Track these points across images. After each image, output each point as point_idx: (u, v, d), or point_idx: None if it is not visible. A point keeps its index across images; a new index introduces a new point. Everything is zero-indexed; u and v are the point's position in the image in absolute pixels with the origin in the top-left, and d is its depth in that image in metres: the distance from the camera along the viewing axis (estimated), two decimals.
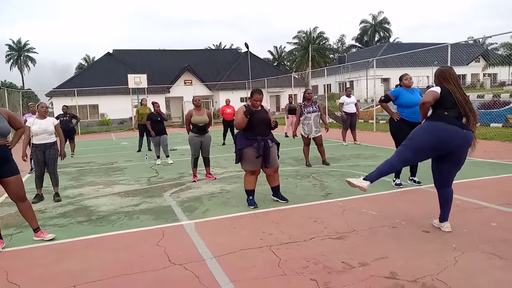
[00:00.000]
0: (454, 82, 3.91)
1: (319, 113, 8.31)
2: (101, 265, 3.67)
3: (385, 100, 6.26)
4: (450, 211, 4.14)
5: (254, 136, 5.17)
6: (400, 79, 6.12)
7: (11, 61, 63.02)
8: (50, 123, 6.25)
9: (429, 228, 4.16)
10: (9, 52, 62.93)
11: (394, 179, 6.11)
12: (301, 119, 8.32)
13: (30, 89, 50.68)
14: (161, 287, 3.17)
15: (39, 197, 6.32)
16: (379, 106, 9.57)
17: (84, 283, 3.29)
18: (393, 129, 6.11)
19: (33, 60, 64.92)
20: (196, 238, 4.25)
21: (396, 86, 6.33)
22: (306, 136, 8.33)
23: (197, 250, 3.88)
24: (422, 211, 4.76)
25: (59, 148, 6.38)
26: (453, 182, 4.09)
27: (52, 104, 33.50)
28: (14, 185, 4.23)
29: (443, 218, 4.10)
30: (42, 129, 6.08)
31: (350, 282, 3.05)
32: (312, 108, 8.26)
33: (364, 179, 4.05)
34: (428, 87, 6.52)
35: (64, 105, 12.92)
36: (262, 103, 5.40)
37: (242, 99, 31.95)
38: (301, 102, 8.57)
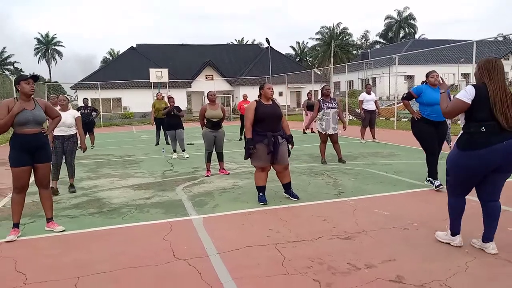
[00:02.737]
0: (500, 78, 3.22)
1: (338, 110, 8.16)
2: (107, 257, 3.69)
3: (407, 97, 6.08)
4: (466, 213, 3.96)
5: (264, 131, 5.11)
6: (427, 76, 5.89)
7: (39, 54, 64.65)
8: (70, 116, 6.35)
9: (442, 230, 3.99)
10: (38, 46, 64.53)
11: (432, 180, 5.78)
12: (319, 114, 8.17)
13: (56, 82, 51.94)
14: (163, 282, 3.16)
15: (53, 191, 6.40)
16: (401, 103, 9.32)
17: (89, 274, 3.32)
18: (415, 128, 5.90)
19: (60, 54, 66.42)
20: (202, 233, 4.23)
21: (422, 83, 6.11)
22: (323, 133, 8.18)
23: (202, 246, 3.86)
24: (436, 213, 4.60)
25: (79, 141, 6.49)
26: None
27: (77, 97, 34.26)
28: (44, 171, 4.44)
29: (488, 237, 3.44)
30: (61, 121, 6.14)
31: (354, 284, 2.96)
32: (332, 104, 8.12)
33: (451, 233, 3.60)
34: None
35: (85, 98, 13.16)
36: (274, 98, 5.35)
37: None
38: (320, 98, 8.43)
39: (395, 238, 3.90)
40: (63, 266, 3.53)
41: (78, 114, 6.52)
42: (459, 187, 3.47)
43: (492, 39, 25.35)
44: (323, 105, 8.08)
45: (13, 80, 4.38)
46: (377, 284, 2.95)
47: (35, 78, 4.34)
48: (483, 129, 3.18)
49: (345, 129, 8.41)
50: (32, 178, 4.45)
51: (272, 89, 5.31)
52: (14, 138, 4.24)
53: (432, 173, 5.82)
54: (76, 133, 6.47)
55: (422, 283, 2.93)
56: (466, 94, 3.24)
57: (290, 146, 5.40)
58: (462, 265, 3.21)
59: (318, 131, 8.34)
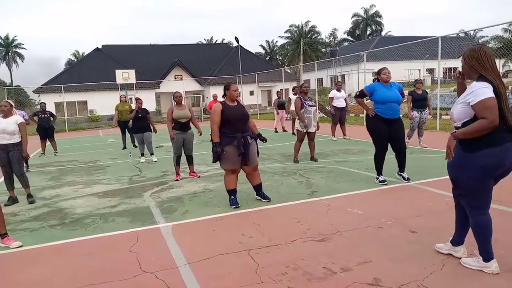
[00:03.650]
0: (493, 67, 2.81)
1: (316, 108, 8.08)
2: (67, 273, 3.43)
3: (360, 95, 6.06)
4: (438, 209, 3.94)
5: (233, 133, 4.94)
6: (378, 73, 5.87)
7: None
8: (12, 122, 5.79)
9: (416, 228, 3.96)
10: None
11: (377, 176, 5.91)
12: (301, 111, 7.94)
13: (19, 86, 49.89)
14: None
15: (12, 200, 6.03)
16: (369, 101, 9.38)
17: None
18: (369, 125, 5.91)
19: (21, 56, 63.89)
20: (171, 243, 4.01)
21: (374, 80, 6.06)
22: (304, 131, 7.99)
23: (171, 256, 3.65)
24: (410, 210, 4.57)
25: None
26: (443, 177, 3.86)
27: (40, 101, 32.91)
28: None
29: (460, 241, 3.24)
30: (1, 128, 5.70)
31: None
32: (312, 102, 8.03)
33: (484, 260, 2.95)
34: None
35: (42, 102, 12.59)
36: (239, 99, 5.20)
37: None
38: (298, 95, 8.24)
39: (369, 238, 3.81)
40: (21, 286, 3.25)
41: (21, 119, 5.93)
42: (486, 196, 2.91)
43: (455, 35, 26.12)
44: (305, 103, 7.92)
45: None
46: None
47: None
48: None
49: (318, 129, 8.31)
50: None
51: (238, 90, 5.15)
52: None
53: (379, 169, 5.89)
54: (20, 141, 5.87)
55: (399, 284, 2.84)
56: (488, 89, 2.70)
57: (264, 141, 5.34)
58: (438, 263, 3.15)
59: (297, 129, 8.16)
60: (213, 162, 5.12)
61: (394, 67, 5.98)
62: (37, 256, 3.92)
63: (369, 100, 6.06)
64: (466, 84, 3.09)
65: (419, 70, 35.25)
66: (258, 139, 5.25)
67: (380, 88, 5.70)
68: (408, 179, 5.84)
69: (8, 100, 6.04)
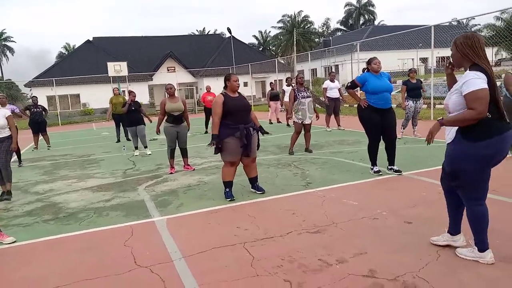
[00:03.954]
0: (485, 55, 2.77)
1: (312, 99, 8.04)
2: (61, 269, 3.40)
3: (351, 86, 6.03)
4: (432, 199, 3.93)
5: (235, 124, 4.90)
6: (369, 62, 5.82)
7: None
8: (1, 116, 5.76)
9: (411, 218, 3.97)
10: None
11: (371, 167, 5.91)
12: (294, 104, 7.95)
13: (10, 80, 49.28)
14: None
15: (6, 194, 5.96)
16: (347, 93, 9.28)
17: None
18: (361, 116, 5.87)
19: (11, 49, 62.90)
20: (166, 236, 3.99)
21: (364, 70, 6.02)
22: (300, 123, 7.97)
23: (166, 250, 3.63)
24: (404, 201, 4.58)
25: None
26: (437, 167, 3.83)
27: (32, 95, 32.56)
28: None
29: (457, 230, 3.23)
30: None
31: (326, 282, 2.84)
32: (306, 93, 7.97)
33: (479, 250, 2.95)
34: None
35: (34, 96, 12.45)
36: (239, 90, 5.16)
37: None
38: (294, 86, 8.25)
39: (365, 229, 3.81)
40: (14, 283, 3.22)
41: (9, 112, 5.93)
42: (484, 186, 2.90)
43: (448, 24, 26.07)
44: (298, 95, 7.89)
45: None
46: (349, 280, 2.83)
47: None
48: (489, 115, 2.70)
49: (318, 118, 8.30)
50: None
51: (238, 80, 5.10)
52: None
53: (374, 159, 5.90)
54: (10, 135, 5.87)
55: (395, 276, 2.84)
56: (481, 80, 2.67)
57: (265, 134, 5.37)
58: (433, 253, 3.16)
59: (294, 121, 8.14)
60: (214, 154, 5.07)
61: (388, 57, 5.95)
62: (31, 251, 3.89)
63: (361, 91, 6.03)
64: (455, 75, 3.08)
65: (412, 59, 35.25)
66: (259, 132, 5.23)
67: (371, 78, 5.67)
68: (399, 171, 5.81)
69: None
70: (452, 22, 31.86)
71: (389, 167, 5.92)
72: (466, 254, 3.02)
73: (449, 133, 2.93)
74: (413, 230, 3.69)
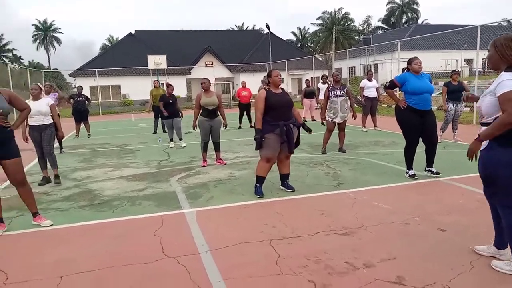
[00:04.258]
0: None
1: (347, 97, 7.91)
2: (93, 254, 3.52)
3: (390, 86, 5.86)
4: (469, 207, 3.77)
5: (275, 120, 4.90)
6: (409, 62, 5.65)
7: (38, 41, 63.99)
8: (44, 104, 6.09)
9: (445, 226, 3.82)
10: (36, 33, 63.84)
11: (407, 170, 5.73)
12: (328, 102, 7.90)
13: (56, 69, 51.53)
14: (148, 282, 2.99)
15: (46, 179, 6.25)
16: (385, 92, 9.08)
17: (72, 273, 3.15)
18: (399, 117, 5.68)
19: (58, 40, 65.74)
20: (195, 228, 4.05)
21: (403, 70, 5.83)
22: (331, 121, 7.93)
23: (193, 242, 3.69)
24: (439, 207, 4.41)
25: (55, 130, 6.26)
26: (476, 174, 3.62)
27: (76, 84, 33.94)
28: (13, 169, 4.12)
29: (503, 243, 3.05)
30: (35, 110, 5.86)
31: (352, 285, 2.79)
32: (340, 91, 7.86)
33: None
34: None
35: (79, 86, 12.95)
36: (282, 86, 5.15)
37: (262, 82, 31.50)
38: (330, 84, 8.18)
39: (395, 233, 3.71)
40: (47, 264, 3.36)
41: (52, 101, 6.27)
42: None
43: (496, 24, 24.86)
44: (331, 93, 7.84)
45: None
46: (376, 286, 2.77)
47: None
48: None
49: (355, 118, 8.18)
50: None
51: (280, 75, 5.09)
52: None
53: (410, 163, 5.72)
54: (52, 122, 6.20)
55: (424, 284, 2.75)
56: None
57: (309, 132, 5.35)
58: (467, 264, 3.03)
59: (326, 119, 8.09)
60: (256, 149, 5.07)
61: (430, 57, 5.75)
62: (66, 235, 4.05)
63: (400, 92, 5.85)
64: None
65: (456, 60, 33.87)
66: (301, 128, 5.21)
67: (411, 78, 5.50)
68: (437, 173, 5.65)
69: (38, 84, 6.27)
70: (502, 23, 30.36)
71: (427, 168, 5.75)
72: (503, 267, 2.88)
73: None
74: (446, 238, 3.55)
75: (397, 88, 6.02)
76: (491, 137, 2.72)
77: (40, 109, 5.98)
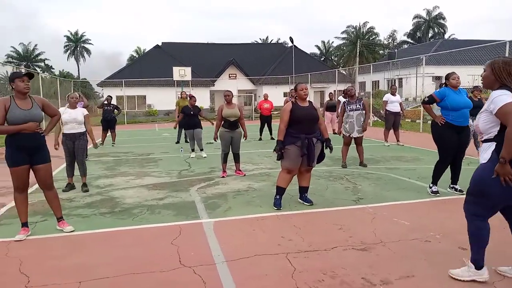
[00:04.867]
0: None
1: (363, 111, 7.86)
2: (112, 261, 3.59)
3: (429, 101, 5.75)
4: (493, 226, 3.63)
5: (298, 133, 4.92)
6: (447, 77, 5.57)
7: (68, 51, 66.21)
8: (80, 113, 6.33)
9: (466, 244, 3.69)
10: (67, 43, 66.12)
11: (431, 185, 5.62)
12: (343, 116, 7.94)
13: (85, 79, 53.09)
14: None
15: (70, 186, 6.42)
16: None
17: (90, 279, 3.22)
18: (436, 134, 5.55)
19: (88, 51, 67.81)
20: (212, 239, 4.07)
21: (441, 85, 5.76)
22: (347, 136, 7.93)
23: (210, 252, 3.71)
24: (461, 225, 4.25)
25: (89, 139, 6.48)
26: None
27: (103, 94, 34.86)
28: (44, 173, 4.28)
29: None
30: (72, 118, 6.18)
31: None
32: (356, 105, 7.83)
33: (476, 267, 2.99)
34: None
35: (109, 95, 13.27)
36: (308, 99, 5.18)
37: (285, 94, 31.60)
38: (345, 99, 8.19)
39: (414, 251, 3.63)
40: (67, 269, 3.44)
41: (86, 112, 6.51)
42: (496, 208, 2.94)
43: None
44: (347, 107, 7.85)
45: (8, 78, 4.25)
46: None
47: (30, 75, 4.14)
48: None
49: (364, 131, 8.09)
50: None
51: (306, 89, 5.11)
52: (10, 137, 4.06)
53: (437, 179, 5.59)
54: (85, 131, 6.42)
55: None
56: (507, 95, 2.71)
57: (328, 150, 5.24)
58: (490, 285, 2.93)
59: (342, 133, 8.08)
60: (277, 160, 5.10)
61: (457, 72, 5.61)
62: (86, 241, 4.14)
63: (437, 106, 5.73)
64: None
65: None
66: (324, 144, 5.19)
67: (451, 93, 5.40)
68: (461, 191, 5.51)
69: (77, 93, 6.53)
70: None
71: (452, 185, 5.64)
72: (463, 275, 3.01)
73: (482, 153, 2.91)
74: (467, 257, 3.45)
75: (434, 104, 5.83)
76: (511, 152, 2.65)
77: (76, 117, 6.23)
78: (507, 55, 11.43)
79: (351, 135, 7.88)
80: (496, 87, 2.86)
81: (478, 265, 2.96)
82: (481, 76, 2.99)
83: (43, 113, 4.29)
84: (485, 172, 2.82)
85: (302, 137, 4.89)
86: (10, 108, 3.99)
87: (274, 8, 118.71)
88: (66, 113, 6.21)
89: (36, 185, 6.54)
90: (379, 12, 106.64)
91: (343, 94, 13.38)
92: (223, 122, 7.18)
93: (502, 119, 2.71)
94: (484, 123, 2.86)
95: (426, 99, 5.81)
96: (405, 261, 3.42)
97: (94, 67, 74.60)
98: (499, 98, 2.72)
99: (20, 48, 61.32)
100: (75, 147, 6.32)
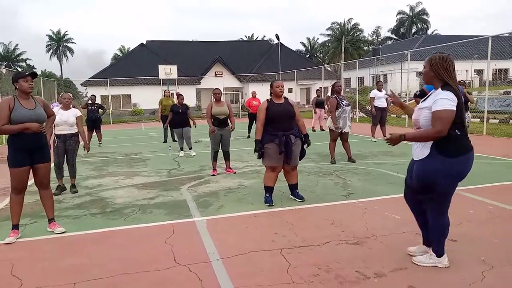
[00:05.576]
0: (455, 76, 2.96)
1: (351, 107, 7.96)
2: (105, 261, 3.57)
3: (420, 95, 5.86)
4: (480, 218, 3.77)
5: (275, 131, 4.94)
6: None
7: (51, 51, 65.10)
8: (72, 114, 6.22)
9: (455, 236, 3.80)
10: (49, 43, 65.02)
11: None
12: (337, 111, 7.85)
13: (68, 78, 52.32)
14: None
15: (61, 188, 6.31)
16: (413, 100, 9.10)
17: (84, 280, 3.19)
18: None
19: (71, 50, 66.83)
20: (205, 237, 4.08)
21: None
22: (338, 131, 7.90)
23: (204, 250, 3.72)
24: (450, 217, 4.33)
25: (80, 140, 6.40)
26: (487, 184, 3.69)
27: (87, 93, 34.41)
28: (43, 172, 4.28)
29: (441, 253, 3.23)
30: (62, 120, 6.07)
31: None
32: (346, 101, 7.92)
33: (437, 255, 3.17)
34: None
35: (93, 95, 13.12)
36: (285, 95, 5.19)
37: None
38: (331, 95, 8.18)
39: (406, 243, 3.69)
40: (60, 271, 3.41)
41: (79, 113, 6.41)
42: (449, 201, 3.09)
43: (507, 35, 24.74)
44: (341, 103, 7.84)
45: (11, 78, 4.22)
46: None
47: (34, 75, 4.16)
48: (458, 133, 2.86)
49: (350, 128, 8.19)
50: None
51: (282, 86, 5.13)
52: (13, 137, 4.07)
53: None
54: (77, 132, 6.34)
55: None
56: (451, 102, 2.80)
57: (305, 145, 5.23)
58: (478, 274, 3.01)
59: (330, 129, 8.08)
60: (258, 158, 5.13)
61: None
62: (78, 242, 4.10)
63: (413, 102, 5.85)
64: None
65: (466, 70, 33.71)
66: (302, 140, 5.18)
67: None
68: None
69: (70, 94, 6.43)
70: None
71: None
72: (425, 261, 3.18)
73: (420, 149, 3.00)
74: (457, 248, 3.53)
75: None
76: (415, 140, 3.02)
77: (68, 119, 6.14)
78: (489, 50, 11.66)
79: (342, 130, 7.91)
80: (438, 85, 2.93)
81: (439, 254, 3.17)
82: (422, 72, 3.09)
83: (45, 113, 4.29)
84: (430, 167, 2.94)
85: (279, 135, 4.91)
86: (15, 108, 3.99)
87: (259, 6, 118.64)
88: (58, 114, 6.09)
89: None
90: (363, 8, 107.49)
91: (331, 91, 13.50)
92: (212, 120, 7.17)
93: (433, 119, 2.84)
94: (425, 119, 2.94)
95: (418, 92, 5.93)
96: (397, 253, 3.48)
97: (77, 66, 73.63)
98: (443, 101, 2.81)
99: (0, 47, 60.14)
100: (66, 148, 6.24)
